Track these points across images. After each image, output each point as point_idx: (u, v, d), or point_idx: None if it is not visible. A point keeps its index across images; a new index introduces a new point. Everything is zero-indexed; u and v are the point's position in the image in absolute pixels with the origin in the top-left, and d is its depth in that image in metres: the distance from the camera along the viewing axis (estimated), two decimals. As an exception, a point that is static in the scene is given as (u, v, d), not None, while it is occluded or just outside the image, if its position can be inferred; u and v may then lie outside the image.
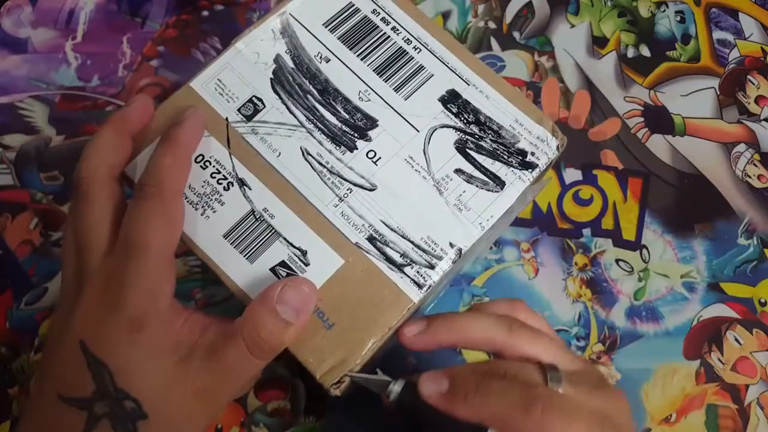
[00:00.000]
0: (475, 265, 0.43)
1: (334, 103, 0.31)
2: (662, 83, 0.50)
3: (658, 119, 0.48)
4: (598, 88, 0.49)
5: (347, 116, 0.31)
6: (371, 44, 0.32)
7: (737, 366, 0.42)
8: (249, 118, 0.30)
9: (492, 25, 0.51)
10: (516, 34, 0.51)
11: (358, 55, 0.32)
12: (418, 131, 0.31)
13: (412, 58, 0.32)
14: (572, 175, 0.46)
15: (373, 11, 0.33)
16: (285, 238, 0.29)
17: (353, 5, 0.33)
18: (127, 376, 0.26)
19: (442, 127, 0.31)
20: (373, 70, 0.32)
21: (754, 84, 0.50)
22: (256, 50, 0.32)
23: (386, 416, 0.39)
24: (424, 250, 0.29)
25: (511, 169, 0.30)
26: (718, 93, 0.50)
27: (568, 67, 0.50)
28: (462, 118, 0.31)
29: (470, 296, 0.42)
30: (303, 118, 0.30)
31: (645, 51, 0.51)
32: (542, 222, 0.45)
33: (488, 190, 0.30)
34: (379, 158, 0.30)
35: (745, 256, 0.44)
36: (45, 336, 0.29)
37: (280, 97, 0.31)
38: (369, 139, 0.30)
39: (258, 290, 0.27)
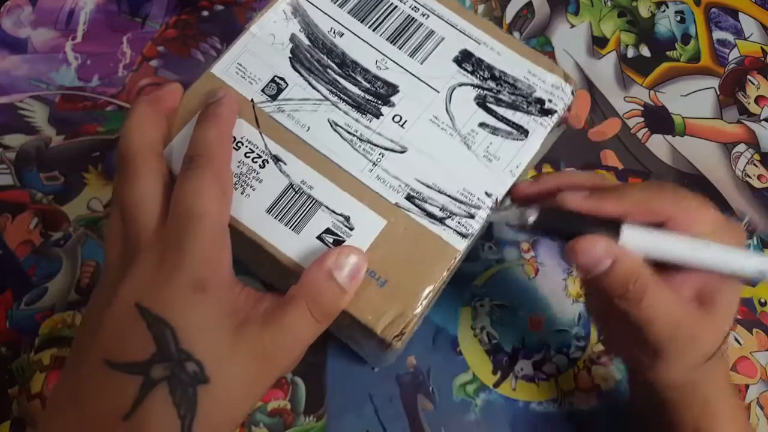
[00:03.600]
0: (475, 265, 0.43)
1: (353, 74, 0.32)
2: (662, 83, 0.50)
3: (658, 119, 0.48)
4: (598, 88, 0.49)
5: (368, 85, 0.32)
6: (381, 15, 0.33)
7: (737, 366, 0.42)
8: (274, 98, 0.31)
9: (492, 25, 0.51)
10: (516, 34, 0.51)
11: (369, 27, 0.33)
12: (438, 92, 0.32)
13: (422, 24, 0.33)
14: (572, 175, 0.46)
15: None
16: (327, 207, 0.29)
17: None
18: (191, 337, 0.25)
19: (460, 85, 0.32)
20: (386, 39, 0.33)
21: (754, 84, 0.50)
22: (270, 32, 0.33)
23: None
24: (462, 202, 0.30)
25: (532, 117, 0.32)
26: (718, 93, 0.50)
27: (568, 67, 0.50)
28: (478, 75, 0.32)
29: (470, 296, 0.42)
30: (326, 92, 0.31)
31: (645, 51, 0.51)
32: (542, 222, 0.45)
33: (514, 139, 0.31)
34: (405, 121, 0.31)
35: (745, 256, 0.44)
36: (86, 309, 0.28)
37: (301, 74, 0.32)
38: (392, 105, 0.31)
39: (308, 258, 0.28)
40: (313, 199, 0.29)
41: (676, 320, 0.28)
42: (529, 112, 0.32)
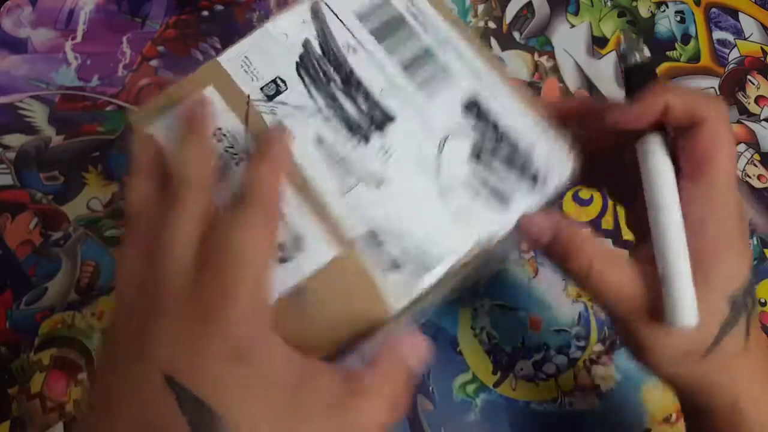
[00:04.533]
0: (475, 265, 0.43)
1: (355, 94, 0.31)
2: (662, 83, 0.50)
3: (658, 119, 0.48)
4: (598, 88, 0.49)
5: (366, 108, 0.31)
6: (400, 40, 0.32)
7: (737, 366, 0.42)
8: (270, 98, 0.31)
9: (492, 25, 0.51)
10: (516, 34, 0.51)
11: (385, 49, 0.32)
12: (435, 133, 0.30)
13: (440, 59, 0.31)
14: (572, 175, 0.46)
15: (407, 8, 0.33)
16: (286, 221, 0.28)
17: None
18: (234, 420, 0.21)
19: (459, 133, 0.30)
20: (399, 65, 0.31)
21: (754, 84, 0.50)
22: (285, 32, 0.32)
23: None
24: (415, 256, 0.28)
25: (519, 190, 0.29)
26: (718, 93, 0.50)
27: (568, 67, 0.50)
28: (480, 129, 0.30)
29: (470, 296, 0.42)
30: (322, 104, 0.31)
31: (645, 51, 0.51)
32: (542, 222, 0.45)
33: (491, 207, 0.29)
34: (391, 155, 0.30)
35: (745, 256, 0.44)
36: (97, 368, 0.25)
37: (303, 81, 0.31)
38: (384, 134, 0.30)
39: None
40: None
41: (634, 297, 0.25)
42: (517, 184, 0.29)
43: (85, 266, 0.42)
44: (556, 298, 0.43)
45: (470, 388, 0.40)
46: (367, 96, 0.31)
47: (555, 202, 0.31)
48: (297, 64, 0.31)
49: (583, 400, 0.40)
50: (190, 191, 0.25)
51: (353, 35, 0.32)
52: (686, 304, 0.24)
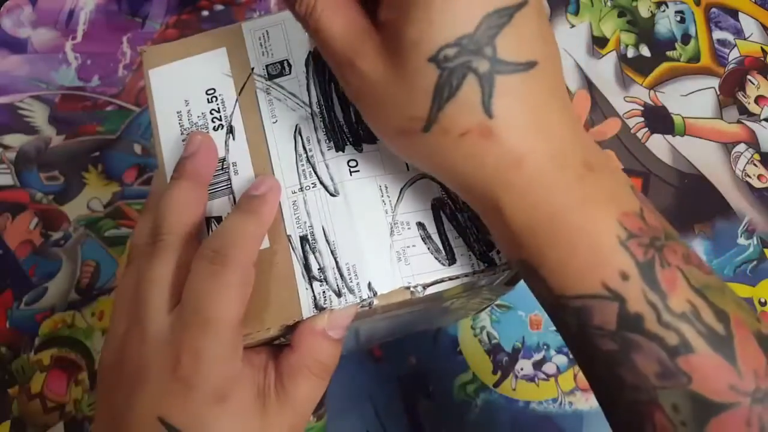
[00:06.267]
0: (475, 265, 0.43)
1: (350, 104, 0.30)
2: (662, 83, 0.50)
3: (658, 119, 0.49)
4: (598, 88, 0.49)
5: (354, 120, 0.30)
6: None
7: (737, 366, 0.42)
8: (271, 78, 0.31)
9: (492, 25, 0.51)
10: (516, 34, 0.51)
11: None
12: (408, 170, 0.29)
13: None
14: (572, 175, 0.46)
15: None
16: (234, 198, 0.29)
17: None
18: None
19: (432, 179, 0.29)
20: None
21: (754, 84, 0.50)
22: None
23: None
24: (341, 275, 0.27)
25: (471, 253, 0.28)
26: (718, 93, 0.50)
27: (568, 67, 0.50)
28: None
29: (470, 296, 0.42)
30: (314, 100, 0.30)
31: (645, 51, 0.51)
32: (542, 222, 0.45)
33: (436, 259, 0.28)
34: (358, 171, 0.29)
35: (745, 256, 0.45)
36: (98, 404, 0.27)
37: (307, 72, 0.31)
38: (360, 150, 0.29)
39: None
40: (230, 184, 0.29)
41: (351, 36, 0.22)
42: (471, 247, 0.28)
43: (85, 266, 0.42)
44: (556, 298, 0.43)
45: (470, 388, 0.40)
46: None
47: (496, 277, 0.30)
48: (310, 54, 0.31)
49: (583, 400, 0.40)
50: (171, 237, 0.26)
51: None
52: None
